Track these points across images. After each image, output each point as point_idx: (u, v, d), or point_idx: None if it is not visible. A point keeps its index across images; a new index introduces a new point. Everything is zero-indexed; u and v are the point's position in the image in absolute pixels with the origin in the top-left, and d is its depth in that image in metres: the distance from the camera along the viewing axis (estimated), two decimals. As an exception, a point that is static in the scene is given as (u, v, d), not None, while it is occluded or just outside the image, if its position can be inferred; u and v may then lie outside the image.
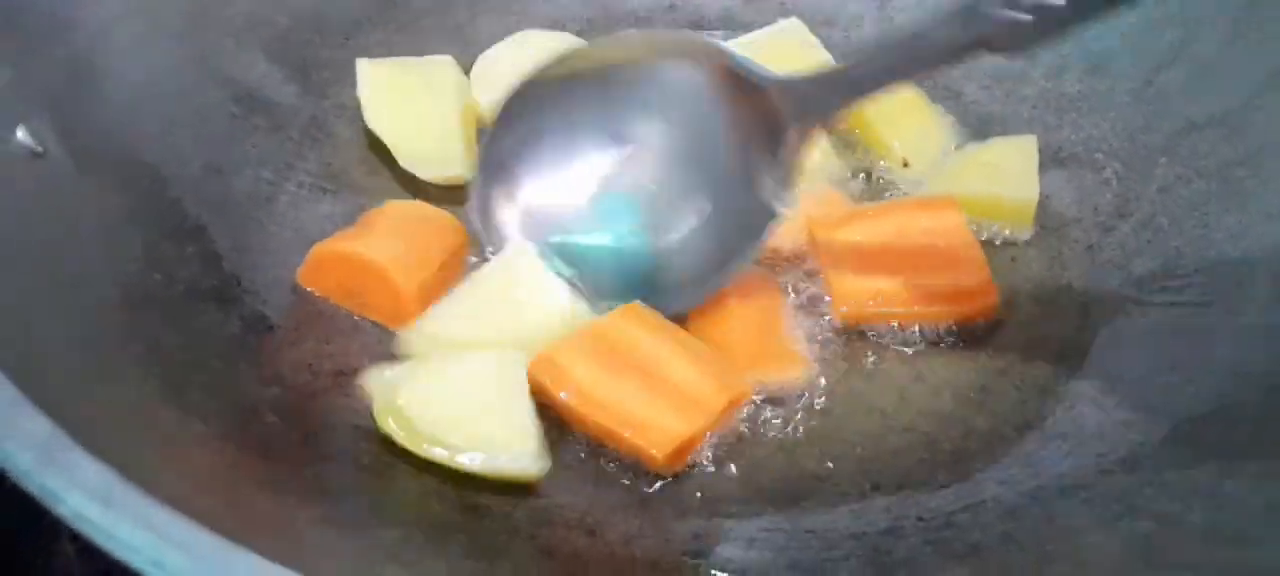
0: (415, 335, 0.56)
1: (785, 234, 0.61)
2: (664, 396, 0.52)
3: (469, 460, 0.49)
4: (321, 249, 0.58)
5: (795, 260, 0.62)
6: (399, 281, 0.56)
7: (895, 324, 0.60)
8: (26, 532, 0.53)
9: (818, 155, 0.67)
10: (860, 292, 0.59)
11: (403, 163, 0.65)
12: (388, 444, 0.51)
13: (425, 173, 0.65)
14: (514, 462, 0.49)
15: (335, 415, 0.52)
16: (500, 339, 0.55)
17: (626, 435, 0.51)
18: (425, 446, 0.49)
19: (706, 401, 0.52)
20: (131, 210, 0.54)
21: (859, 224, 0.63)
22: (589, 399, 0.52)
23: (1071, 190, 0.67)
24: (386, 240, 0.58)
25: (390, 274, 0.56)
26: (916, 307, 0.59)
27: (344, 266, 0.57)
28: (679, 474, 0.52)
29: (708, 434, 0.53)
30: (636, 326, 0.55)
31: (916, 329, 0.60)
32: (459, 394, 0.51)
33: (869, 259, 0.61)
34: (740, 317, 0.58)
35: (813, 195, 0.64)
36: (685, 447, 0.51)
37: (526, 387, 0.52)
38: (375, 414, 0.51)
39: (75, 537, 0.52)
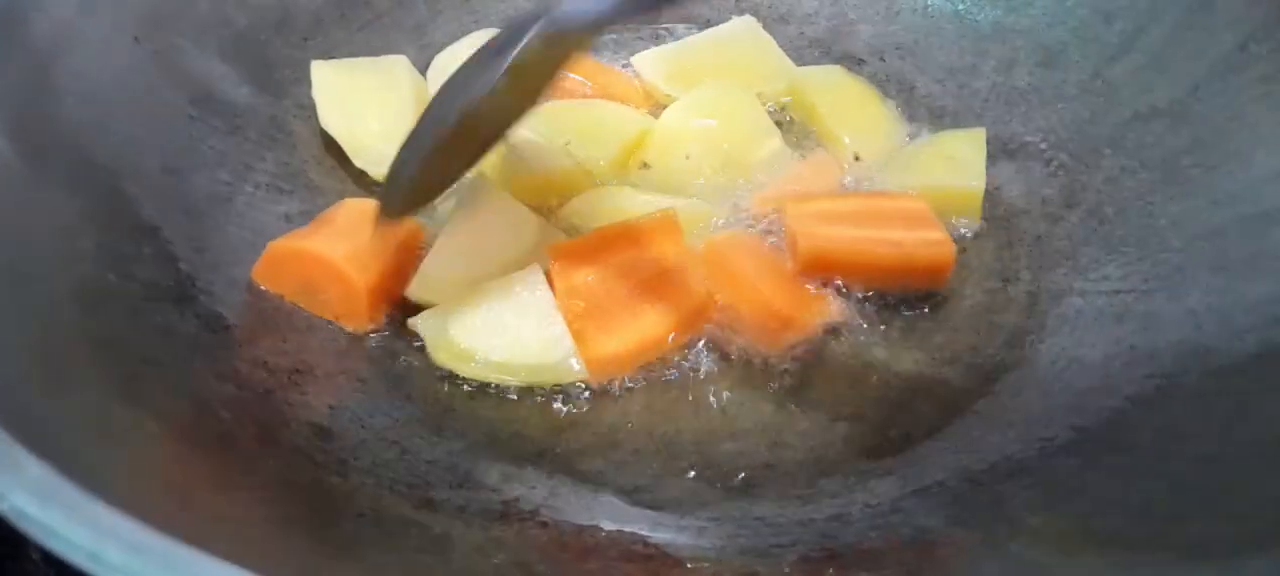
0: (423, 283, 0.59)
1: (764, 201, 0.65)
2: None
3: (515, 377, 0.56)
4: (276, 246, 0.58)
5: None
6: (353, 277, 0.57)
7: (856, 295, 0.61)
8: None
9: (771, 149, 0.68)
10: (820, 233, 0.61)
11: (357, 162, 0.66)
12: (344, 442, 0.52)
13: (379, 171, 0.65)
14: (557, 369, 0.56)
15: (291, 412, 0.53)
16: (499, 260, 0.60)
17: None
18: (477, 370, 0.56)
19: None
20: (85, 210, 0.54)
21: (827, 199, 0.65)
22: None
23: (1020, 181, 0.68)
24: (340, 238, 0.58)
25: (344, 270, 0.57)
26: (875, 250, 0.61)
27: (298, 263, 0.58)
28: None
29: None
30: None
31: (874, 295, 0.61)
32: (498, 319, 0.57)
33: (832, 216, 0.63)
34: (758, 280, 0.60)
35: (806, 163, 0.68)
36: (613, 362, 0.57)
37: (551, 299, 0.57)
38: (429, 352, 0.57)
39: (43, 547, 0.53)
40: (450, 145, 0.55)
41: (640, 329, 0.57)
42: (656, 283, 0.58)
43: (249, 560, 0.32)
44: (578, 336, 0.56)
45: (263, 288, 0.59)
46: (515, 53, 0.51)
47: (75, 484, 0.32)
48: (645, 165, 0.68)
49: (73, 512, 0.31)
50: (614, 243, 0.59)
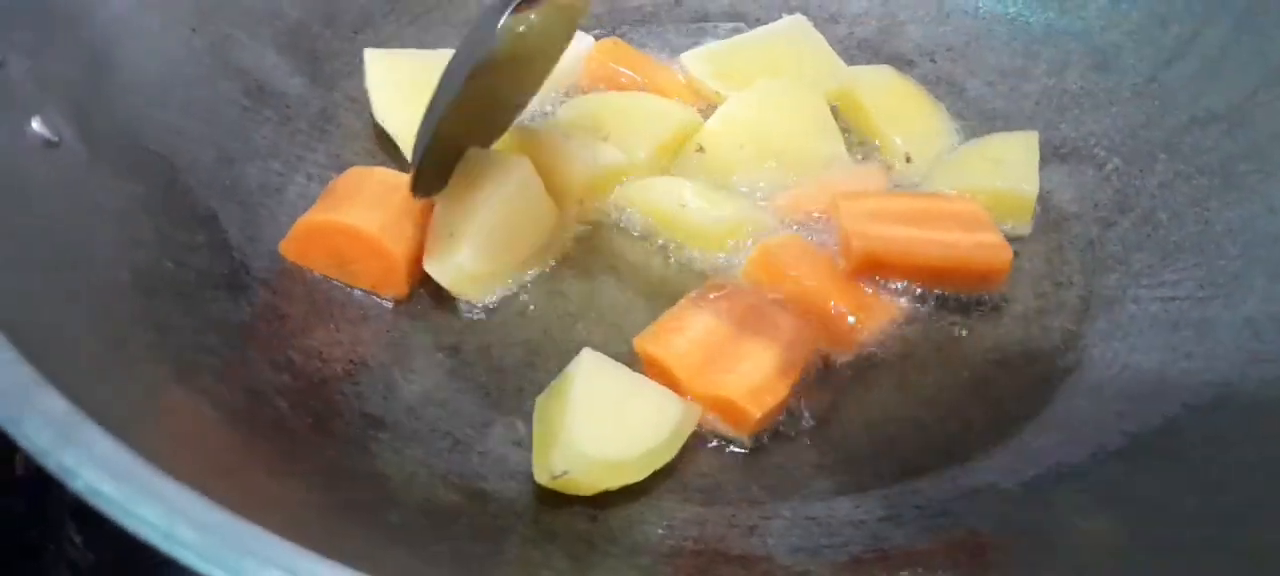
0: (448, 269, 0.58)
1: (811, 201, 0.64)
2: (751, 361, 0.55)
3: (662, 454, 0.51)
4: (305, 221, 0.59)
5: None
6: (390, 248, 0.58)
7: (908, 286, 0.61)
8: (34, 523, 0.54)
9: (830, 152, 0.68)
10: (873, 232, 0.61)
11: (408, 154, 0.66)
12: (397, 432, 0.52)
13: None
14: (684, 422, 0.52)
15: (344, 402, 0.53)
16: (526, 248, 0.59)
17: (731, 397, 0.53)
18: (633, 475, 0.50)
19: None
20: (144, 198, 0.55)
21: (881, 198, 0.65)
22: (690, 367, 0.54)
23: (1073, 186, 0.67)
24: (370, 209, 0.59)
25: (381, 242, 0.58)
26: (930, 251, 0.60)
27: (331, 237, 0.59)
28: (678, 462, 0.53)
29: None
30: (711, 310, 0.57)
31: (927, 297, 0.61)
32: (608, 419, 0.52)
33: (886, 215, 0.62)
34: (814, 280, 0.60)
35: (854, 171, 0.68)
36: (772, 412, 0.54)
37: (643, 377, 0.54)
38: (580, 486, 0.50)
39: (81, 527, 0.54)
40: (464, 111, 0.56)
41: (768, 355, 0.55)
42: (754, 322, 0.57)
43: (304, 542, 0.32)
44: (717, 385, 0.54)
45: (289, 260, 0.59)
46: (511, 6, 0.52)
47: (146, 462, 0.33)
48: (700, 149, 0.68)
49: (145, 490, 0.32)
50: (688, 314, 0.57)
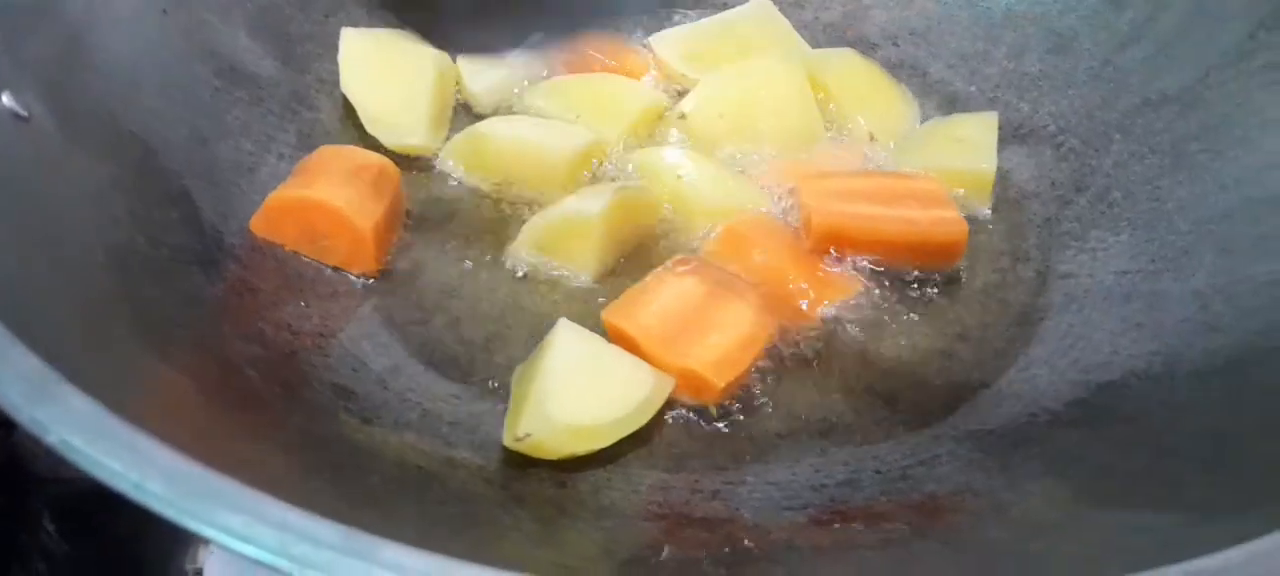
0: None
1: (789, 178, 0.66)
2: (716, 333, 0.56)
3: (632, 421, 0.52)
4: (276, 197, 0.60)
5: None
6: (357, 222, 0.59)
7: (870, 272, 0.62)
8: (10, 515, 0.55)
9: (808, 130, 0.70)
10: (834, 209, 0.62)
11: (371, 129, 0.67)
12: (367, 402, 0.53)
13: (388, 139, 0.67)
14: (655, 392, 0.53)
15: (314, 373, 0.54)
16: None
17: (696, 369, 0.54)
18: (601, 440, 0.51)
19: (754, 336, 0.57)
20: (117, 176, 0.56)
21: (842, 177, 0.67)
22: (656, 339, 0.55)
23: (1031, 165, 0.69)
24: (338, 185, 0.60)
25: (348, 216, 0.59)
26: (888, 227, 0.62)
27: (300, 212, 0.60)
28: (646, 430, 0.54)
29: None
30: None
31: (888, 273, 0.62)
32: (578, 385, 0.53)
33: (846, 193, 0.64)
34: (777, 257, 0.61)
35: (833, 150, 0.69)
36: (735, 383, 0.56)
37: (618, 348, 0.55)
38: (547, 451, 0.50)
39: (57, 518, 0.54)
40: None
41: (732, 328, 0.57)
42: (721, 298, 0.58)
43: (276, 497, 0.33)
44: (682, 356, 0.55)
45: (260, 237, 0.60)
46: None
47: (121, 420, 0.34)
48: (683, 115, 0.69)
49: (115, 441, 0.32)
50: (654, 288, 0.59)
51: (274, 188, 0.62)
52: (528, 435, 0.50)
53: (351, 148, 0.64)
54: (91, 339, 0.46)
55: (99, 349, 0.46)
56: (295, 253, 0.60)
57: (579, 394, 0.52)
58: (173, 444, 0.34)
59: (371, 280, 0.61)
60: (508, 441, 0.51)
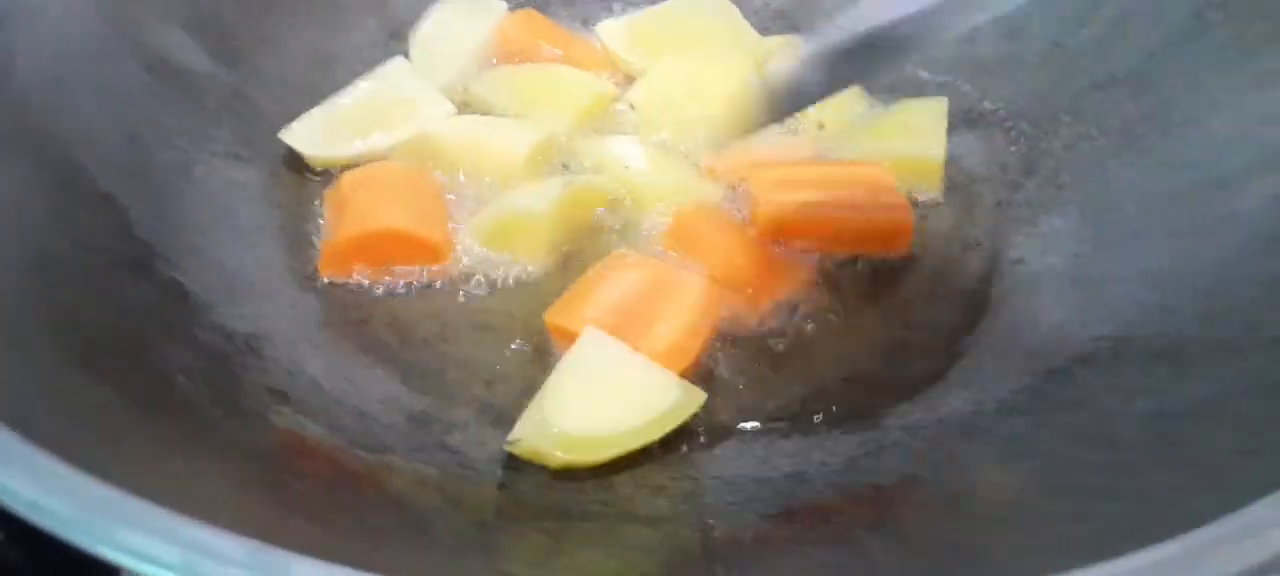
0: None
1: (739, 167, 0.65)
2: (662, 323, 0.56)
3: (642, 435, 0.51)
4: (335, 243, 0.60)
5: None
6: (428, 237, 0.61)
7: (820, 261, 0.61)
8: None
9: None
10: (781, 199, 0.61)
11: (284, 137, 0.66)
12: (302, 405, 0.52)
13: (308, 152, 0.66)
14: (677, 407, 0.52)
15: (247, 377, 0.53)
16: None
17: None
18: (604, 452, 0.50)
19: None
20: (34, 178, 0.54)
21: (789, 166, 0.66)
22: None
23: (982, 150, 0.69)
24: (396, 208, 0.61)
25: (420, 234, 0.60)
26: (834, 215, 0.61)
27: (372, 245, 0.60)
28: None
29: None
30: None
31: (837, 261, 0.62)
32: (596, 389, 0.52)
33: (793, 182, 0.63)
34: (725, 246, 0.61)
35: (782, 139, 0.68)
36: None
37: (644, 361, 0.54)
38: (545, 458, 0.50)
39: (6, 525, 0.52)
40: None
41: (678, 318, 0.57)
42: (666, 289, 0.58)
43: (204, 515, 0.32)
44: (632, 348, 0.54)
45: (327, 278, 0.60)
46: None
47: (19, 437, 0.32)
48: (631, 106, 0.69)
49: (11, 460, 0.31)
50: (595, 283, 0.58)
51: (213, 187, 0.60)
52: (518, 439, 0.49)
53: (382, 165, 0.65)
54: (13, 351, 0.45)
55: (21, 363, 0.44)
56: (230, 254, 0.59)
57: (588, 403, 0.51)
58: (85, 459, 0.33)
59: (310, 280, 0.59)
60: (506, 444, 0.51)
